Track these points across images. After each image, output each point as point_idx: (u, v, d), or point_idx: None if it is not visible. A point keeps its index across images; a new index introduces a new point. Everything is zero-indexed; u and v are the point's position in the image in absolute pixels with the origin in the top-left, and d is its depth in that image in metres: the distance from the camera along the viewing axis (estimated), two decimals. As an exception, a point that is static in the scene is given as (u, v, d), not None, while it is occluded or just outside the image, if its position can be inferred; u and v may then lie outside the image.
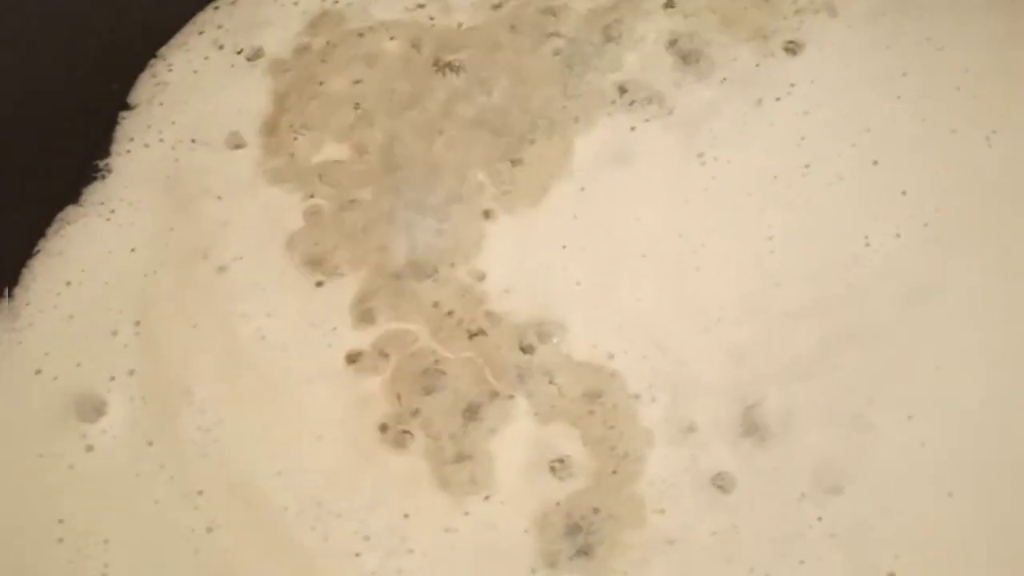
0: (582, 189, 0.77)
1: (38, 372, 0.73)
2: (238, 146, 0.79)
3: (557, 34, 0.82)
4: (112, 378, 0.72)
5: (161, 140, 0.80)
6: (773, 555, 0.66)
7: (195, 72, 0.83)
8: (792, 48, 0.82)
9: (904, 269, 0.74)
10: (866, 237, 0.75)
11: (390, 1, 0.84)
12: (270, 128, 0.80)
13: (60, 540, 0.68)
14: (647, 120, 0.80)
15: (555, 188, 0.77)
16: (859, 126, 0.79)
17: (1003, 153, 0.78)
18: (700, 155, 0.78)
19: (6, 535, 0.69)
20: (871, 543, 0.67)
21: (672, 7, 0.83)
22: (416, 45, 0.82)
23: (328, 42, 0.82)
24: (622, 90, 0.81)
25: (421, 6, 0.84)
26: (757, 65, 0.82)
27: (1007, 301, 0.73)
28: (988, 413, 0.70)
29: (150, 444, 0.70)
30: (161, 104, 0.82)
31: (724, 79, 0.81)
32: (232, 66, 0.83)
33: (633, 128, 0.79)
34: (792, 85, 0.81)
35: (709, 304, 0.73)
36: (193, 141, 0.80)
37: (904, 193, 0.76)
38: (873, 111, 0.80)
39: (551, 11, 0.83)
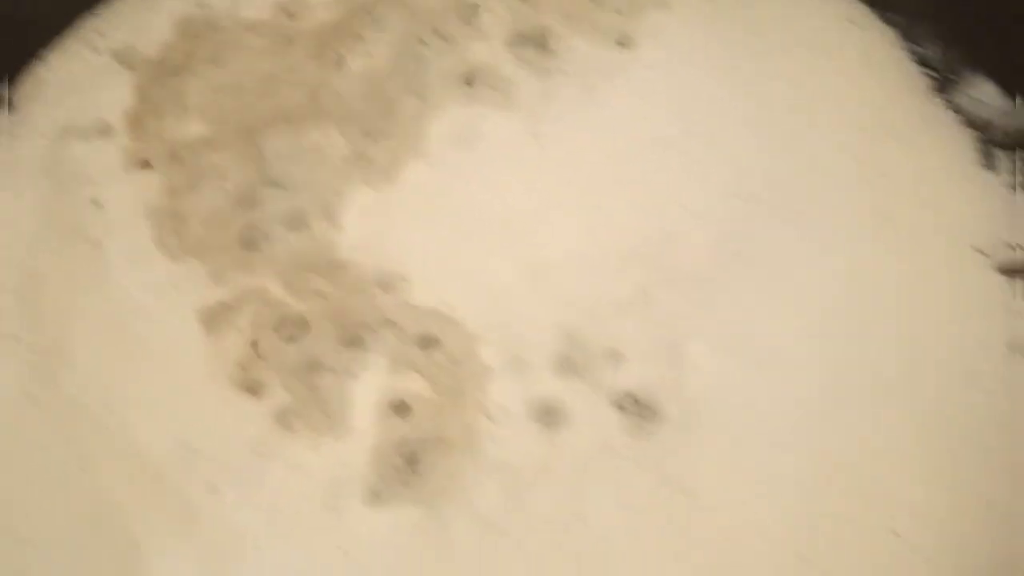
0: (431, 167, 0.85)
1: (-71, 334, 0.80)
2: (107, 134, 0.87)
3: (411, 24, 0.89)
4: (-2, 345, 0.80)
5: (37, 133, 0.88)
6: (587, 478, 0.74)
7: (70, 72, 0.91)
8: (625, 40, 0.90)
9: (717, 226, 0.82)
10: (683, 201, 0.83)
11: (255, 3, 0.92)
12: (135, 117, 0.87)
13: (-51, 481, 0.75)
14: (491, 105, 0.87)
15: (407, 166, 0.85)
16: (685, 107, 0.87)
17: (820, 130, 0.86)
18: (537, 136, 0.86)
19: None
20: (676, 466, 0.74)
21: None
22: (278, 38, 0.90)
23: (195, 36, 0.90)
24: (469, 78, 0.88)
25: (283, 6, 0.92)
26: (593, 55, 0.89)
27: (809, 256, 0.81)
28: (788, 353, 0.78)
29: (33, 400, 0.78)
30: (38, 101, 0.89)
31: (563, 69, 0.89)
32: (104, 65, 0.90)
33: (478, 113, 0.87)
34: (626, 71, 0.88)
35: (540, 259, 0.81)
36: (66, 132, 0.87)
37: (723, 163, 0.84)
38: (700, 94, 0.87)
39: (404, 3, 0.90)
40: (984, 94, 0.87)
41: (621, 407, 0.76)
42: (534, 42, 0.89)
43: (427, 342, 0.78)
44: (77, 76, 0.90)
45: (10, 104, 0.90)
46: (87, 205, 0.84)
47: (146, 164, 0.85)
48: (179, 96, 0.87)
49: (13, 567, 0.73)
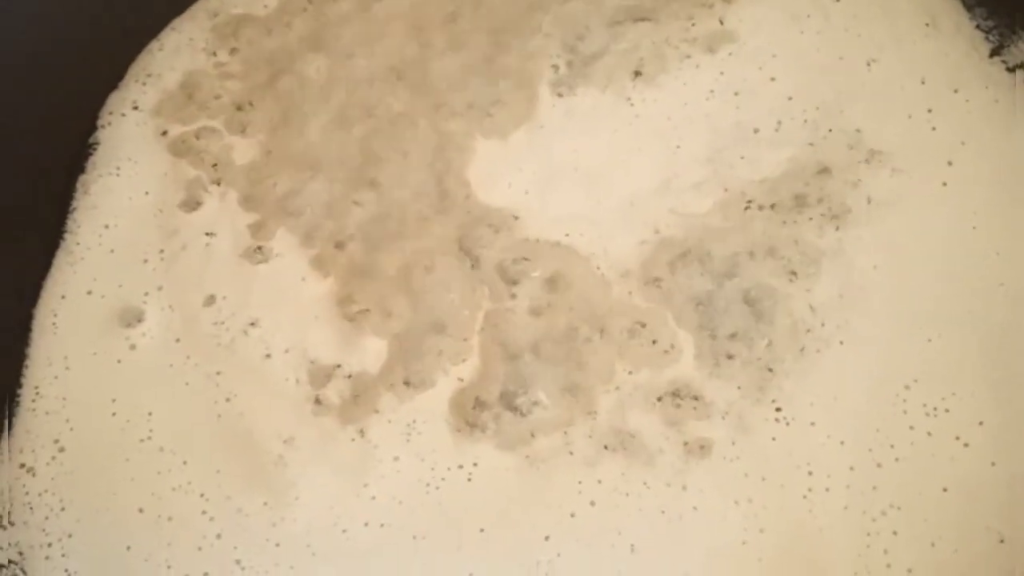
0: (541, 127, 0.94)
1: (89, 293, 0.89)
2: (203, 104, 0.98)
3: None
4: (146, 293, 0.88)
5: (136, 108, 0.99)
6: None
7: (175, 58, 1.03)
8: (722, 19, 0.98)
9: (784, 147, 0.90)
10: (756, 129, 0.91)
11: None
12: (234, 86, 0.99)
13: (113, 414, 0.83)
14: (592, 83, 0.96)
15: (522, 126, 0.94)
16: (767, 56, 0.95)
17: (880, 76, 0.93)
18: (629, 99, 0.94)
19: (72, 410, 0.84)
20: (773, 385, 0.81)
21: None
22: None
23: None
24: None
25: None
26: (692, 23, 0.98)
27: (883, 189, 0.88)
28: (870, 280, 0.84)
29: (178, 340, 0.86)
30: (138, 82, 1.01)
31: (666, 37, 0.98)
32: (203, 52, 1.03)
33: (581, 89, 0.96)
34: (721, 23, 0.98)
35: (629, 193, 0.90)
36: (163, 106, 0.99)
37: (790, 98, 0.92)
38: (780, 44, 0.96)
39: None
40: (1033, 53, 0.93)
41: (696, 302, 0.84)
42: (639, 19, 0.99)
43: (546, 264, 0.86)
44: (178, 59, 1.04)
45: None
46: (197, 164, 0.96)
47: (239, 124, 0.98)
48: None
49: (183, 484, 0.81)
